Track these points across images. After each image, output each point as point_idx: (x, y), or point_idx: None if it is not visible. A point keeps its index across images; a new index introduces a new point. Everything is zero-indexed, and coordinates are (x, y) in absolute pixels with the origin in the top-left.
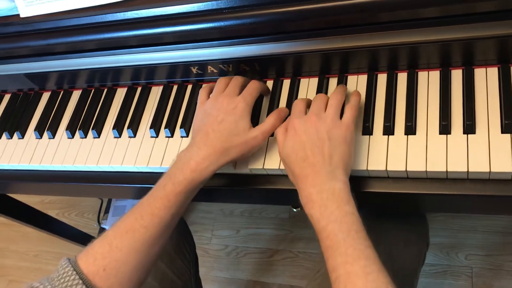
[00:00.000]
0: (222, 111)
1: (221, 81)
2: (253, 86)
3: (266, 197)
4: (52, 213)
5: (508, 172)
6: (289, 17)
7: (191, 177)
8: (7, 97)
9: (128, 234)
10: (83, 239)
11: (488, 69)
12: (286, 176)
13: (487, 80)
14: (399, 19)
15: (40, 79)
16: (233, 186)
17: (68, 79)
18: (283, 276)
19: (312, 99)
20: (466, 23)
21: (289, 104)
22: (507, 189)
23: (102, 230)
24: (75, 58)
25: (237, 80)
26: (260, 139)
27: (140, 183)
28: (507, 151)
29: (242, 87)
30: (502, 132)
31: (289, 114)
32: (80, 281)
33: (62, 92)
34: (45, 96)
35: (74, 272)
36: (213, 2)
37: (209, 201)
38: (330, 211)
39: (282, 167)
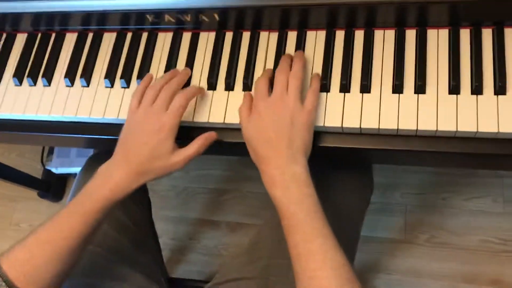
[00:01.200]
0: (146, 132)
1: (151, 90)
2: (179, 105)
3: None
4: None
5: (452, 131)
6: None
7: (109, 196)
8: None
9: (48, 245)
10: (25, 180)
11: (439, 30)
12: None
13: (438, 41)
14: None
15: (16, 19)
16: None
17: (11, 22)
18: (232, 214)
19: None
20: None
21: (248, 58)
22: (451, 146)
23: (47, 171)
24: (19, 1)
25: (167, 92)
26: (181, 164)
27: (94, 133)
28: (453, 111)
29: (172, 97)
30: (449, 93)
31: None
32: (3, 283)
33: (4, 36)
34: (21, 38)
35: None
36: None
37: None
38: (292, 192)
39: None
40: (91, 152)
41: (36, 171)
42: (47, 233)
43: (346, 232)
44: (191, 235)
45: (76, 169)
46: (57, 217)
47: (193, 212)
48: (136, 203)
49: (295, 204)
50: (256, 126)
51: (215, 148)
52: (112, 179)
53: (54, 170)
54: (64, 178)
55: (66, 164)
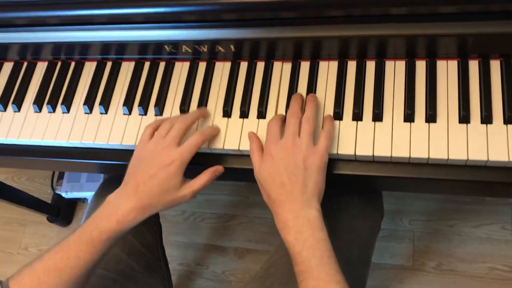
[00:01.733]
0: (156, 165)
1: (166, 124)
2: (194, 143)
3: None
4: (1, 177)
5: (463, 159)
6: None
7: (117, 227)
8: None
9: (55, 272)
10: (35, 204)
11: (449, 61)
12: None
13: (447, 72)
14: (371, 14)
15: (2, 49)
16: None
17: (32, 50)
18: (239, 240)
19: (285, 115)
20: (430, 21)
21: (263, 88)
22: (462, 174)
23: (57, 196)
24: (40, 31)
25: (181, 125)
26: (188, 197)
27: (110, 159)
28: (463, 140)
29: (185, 132)
30: (459, 122)
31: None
32: None
33: (26, 64)
34: (7, 67)
35: None
36: None
37: None
38: (305, 237)
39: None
40: (101, 177)
41: (45, 196)
42: (54, 260)
43: (358, 257)
44: (199, 261)
45: (86, 194)
46: (64, 245)
47: (201, 238)
48: (147, 227)
49: (308, 248)
50: (269, 170)
51: (227, 174)
52: (120, 211)
53: (64, 194)
54: (74, 203)
55: (76, 188)
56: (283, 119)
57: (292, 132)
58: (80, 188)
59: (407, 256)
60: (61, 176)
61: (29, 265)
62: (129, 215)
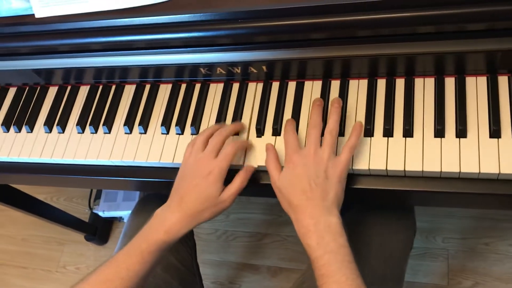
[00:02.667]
0: (197, 176)
1: (201, 136)
2: (230, 151)
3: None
4: (40, 197)
5: (495, 173)
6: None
7: (165, 238)
8: (12, 91)
9: (106, 283)
10: (73, 223)
11: (478, 78)
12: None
13: (477, 88)
14: (399, 33)
15: (48, 74)
16: None
17: (75, 75)
18: (272, 258)
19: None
20: (458, 39)
21: (295, 106)
22: (493, 188)
23: (94, 215)
24: (83, 57)
25: (218, 138)
26: (228, 202)
27: (148, 177)
28: (495, 154)
29: (222, 145)
30: (490, 137)
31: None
32: None
33: (69, 87)
34: (52, 91)
35: None
36: (218, 13)
37: None
38: (326, 242)
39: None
40: (136, 196)
41: (83, 215)
42: (106, 272)
43: (391, 274)
44: (232, 279)
45: (122, 213)
46: (115, 258)
47: (234, 256)
48: (183, 243)
49: (330, 253)
50: (290, 176)
51: (256, 190)
52: (167, 222)
53: (101, 213)
54: (110, 222)
55: (113, 208)
56: (295, 128)
57: (314, 142)
58: (116, 207)
59: (442, 274)
60: (98, 196)
61: (83, 279)
62: (176, 226)
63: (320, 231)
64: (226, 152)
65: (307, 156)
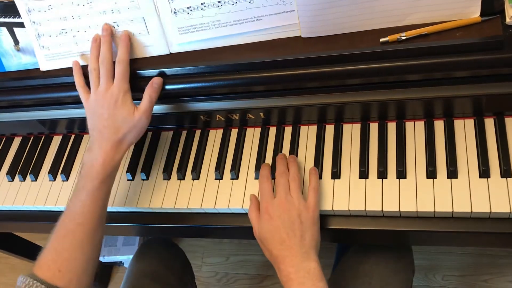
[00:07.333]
0: (105, 108)
1: (92, 72)
2: (122, 70)
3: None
4: (41, 243)
5: (486, 212)
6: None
7: (103, 170)
8: (17, 140)
9: (68, 235)
10: None
11: (465, 120)
12: None
13: (465, 130)
14: (389, 81)
15: (52, 124)
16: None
17: (79, 124)
18: None
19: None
20: (445, 85)
21: (291, 150)
22: (486, 226)
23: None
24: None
25: (105, 66)
26: (144, 118)
27: (152, 222)
28: (485, 193)
29: (112, 63)
30: (480, 177)
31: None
32: (43, 286)
33: (73, 136)
34: (56, 140)
35: (35, 281)
36: (215, 66)
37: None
38: (307, 287)
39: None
40: (136, 240)
41: None
42: (63, 225)
43: None
44: None
45: (122, 257)
46: (66, 209)
47: None
48: (183, 287)
49: None
50: (268, 228)
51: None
52: (99, 157)
53: (101, 259)
54: (110, 266)
55: (113, 252)
56: (269, 174)
57: (283, 189)
58: (117, 252)
59: None
60: None
61: (45, 246)
62: (108, 157)
63: (300, 278)
64: (119, 71)
65: (280, 205)
